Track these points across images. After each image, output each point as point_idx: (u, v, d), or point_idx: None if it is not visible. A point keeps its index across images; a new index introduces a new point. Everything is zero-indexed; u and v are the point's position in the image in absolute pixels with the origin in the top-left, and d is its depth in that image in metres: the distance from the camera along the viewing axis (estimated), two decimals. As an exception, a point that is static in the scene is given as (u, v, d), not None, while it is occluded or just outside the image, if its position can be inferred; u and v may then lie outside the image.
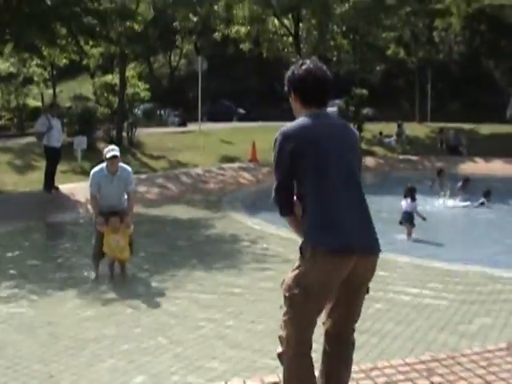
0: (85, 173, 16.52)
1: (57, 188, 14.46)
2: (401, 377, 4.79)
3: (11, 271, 8.55)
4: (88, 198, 13.34)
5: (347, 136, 3.52)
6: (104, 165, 7.84)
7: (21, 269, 8.73)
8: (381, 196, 14.33)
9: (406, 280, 8.01)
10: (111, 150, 7.72)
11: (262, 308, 6.80)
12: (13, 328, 6.37)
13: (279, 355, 3.47)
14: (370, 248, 3.42)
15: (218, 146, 23.76)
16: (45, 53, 18.28)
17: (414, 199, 11.14)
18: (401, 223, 11.16)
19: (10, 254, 9.65)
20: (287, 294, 3.35)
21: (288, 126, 3.42)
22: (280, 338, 3.44)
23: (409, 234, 11.11)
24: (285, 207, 3.44)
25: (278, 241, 10.23)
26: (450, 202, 14.58)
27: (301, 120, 3.44)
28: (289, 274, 3.40)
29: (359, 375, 4.76)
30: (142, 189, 15.00)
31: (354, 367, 4.27)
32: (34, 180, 15.33)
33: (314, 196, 3.31)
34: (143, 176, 17.20)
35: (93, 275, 7.95)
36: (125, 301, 7.26)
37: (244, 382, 4.70)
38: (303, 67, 3.54)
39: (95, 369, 5.34)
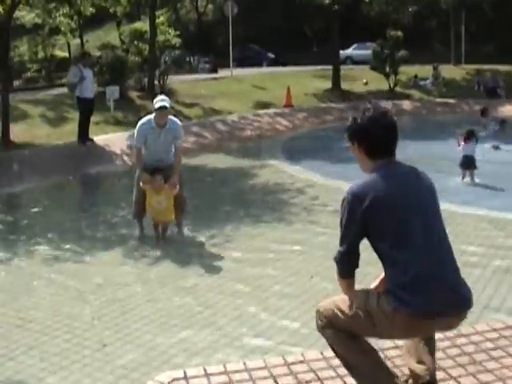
0: (118, 123, 16.73)
1: (91, 139, 14.32)
2: (490, 344, 4.25)
3: (50, 230, 8.23)
4: (124, 149, 14.13)
5: (423, 182, 3.20)
6: (152, 116, 7.16)
7: (60, 227, 8.42)
8: (421, 140, 13.94)
9: (471, 236, 7.29)
10: (160, 101, 6.98)
11: (318, 264, 6.40)
12: (59, 294, 6.02)
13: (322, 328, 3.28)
14: (463, 306, 3.10)
15: (251, 91, 23.14)
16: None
17: (475, 141, 10.66)
18: (463, 167, 10.65)
19: (46, 212, 9.42)
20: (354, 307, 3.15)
21: (358, 184, 3.08)
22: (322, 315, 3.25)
23: (470, 178, 10.69)
24: (349, 271, 3.14)
25: (326, 190, 9.90)
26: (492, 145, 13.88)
27: (372, 177, 3.09)
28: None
29: (444, 343, 4.23)
30: None
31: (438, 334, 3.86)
32: (68, 132, 15.10)
33: (395, 256, 3.02)
34: None
35: (137, 233, 7.48)
36: (172, 261, 6.85)
37: (302, 354, 4.17)
38: (367, 115, 3.16)
39: (147, 336, 4.99)
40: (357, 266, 3.16)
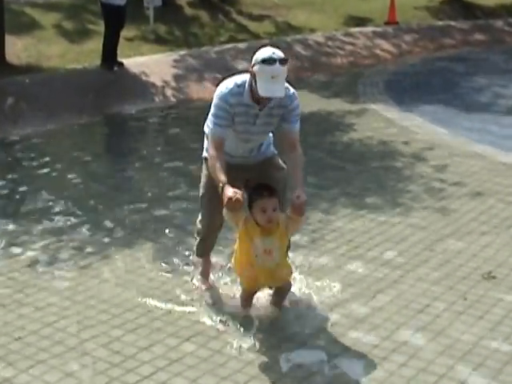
0: (160, 41, 16.58)
1: (121, 63, 13.88)
2: None
3: (65, 202, 7.70)
4: (167, 79, 13.78)
5: None
6: (247, 82, 5.09)
7: (78, 197, 7.90)
8: None
9: None
10: (275, 77, 4.83)
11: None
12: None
13: None
14: None
15: (341, 1, 22.45)
16: None
17: None
18: None
19: (54, 173, 8.84)
20: None
21: None
22: None
23: None
24: None
25: (460, 157, 9.23)
26: None
27: None
28: None
29: None
30: (240, 64, 14.13)
31: None
32: (89, 51, 14.81)
33: None
34: (242, 45, 16.42)
35: (198, 283, 5.79)
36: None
37: None
38: None
39: None
40: None
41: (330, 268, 5.94)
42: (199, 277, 5.71)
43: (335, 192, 7.88)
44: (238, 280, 5.30)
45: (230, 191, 4.73)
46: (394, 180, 8.39)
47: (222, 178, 4.87)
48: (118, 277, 5.80)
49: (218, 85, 5.19)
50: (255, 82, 4.86)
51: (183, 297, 5.42)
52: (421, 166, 8.88)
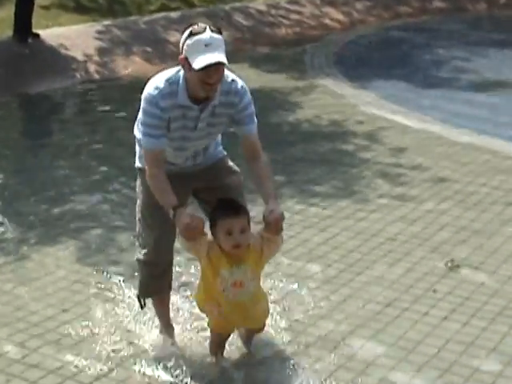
0: (81, 9, 16.27)
1: (36, 35, 13.63)
2: None
3: None
4: (89, 52, 13.64)
5: None
6: (181, 77, 4.52)
7: None
8: None
9: None
10: (209, 45, 4.32)
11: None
12: None
13: None
14: None
15: None
16: None
17: None
18: None
19: None
20: None
21: None
22: None
23: None
24: None
25: (416, 136, 9.39)
26: None
27: None
28: None
29: None
30: (173, 36, 13.93)
31: None
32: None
33: None
34: (174, 14, 16.19)
35: (157, 338, 5.09)
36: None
37: None
38: None
39: None
40: None
41: (280, 264, 5.85)
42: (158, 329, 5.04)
43: (280, 180, 7.70)
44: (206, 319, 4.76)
45: (185, 217, 4.27)
46: (346, 165, 8.43)
47: (171, 200, 4.39)
48: (31, 282, 5.65)
49: (146, 82, 4.56)
50: (189, 65, 4.28)
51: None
52: (376, 148, 8.92)
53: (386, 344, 4.77)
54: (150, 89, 4.45)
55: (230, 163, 4.94)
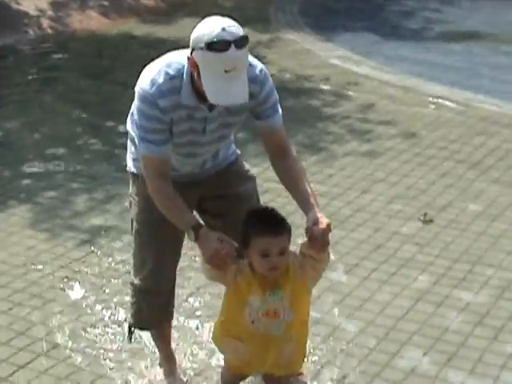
0: None
1: None
2: None
3: None
4: (42, 7, 13.68)
5: None
6: (185, 70, 3.62)
7: None
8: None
9: None
10: (230, 71, 3.39)
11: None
12: None
13: None
14: None
15: None
16: None
17: None
18: None
19: None
20: None
21: None
22: None
23: None
24: None
25: (385, 90, 9.41)
26: None
27: None
28: None
29: None
30: None
31: None
32: None
33: None
34: None
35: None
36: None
37: None
38: None
39: None
40: None
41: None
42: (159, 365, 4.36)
43: (243, 137, 7.42)
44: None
45: (213, 241, 3.49)
46: (312, 120, 8.42)
47: (189, 218, 3.64)
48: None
49: (140, 71, 3.68)
50: (199, 75, 3.45)
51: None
52: (343, 103, 8.94)
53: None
54: (144, 83, 3.61)
55: (246, 166, 4.18)
